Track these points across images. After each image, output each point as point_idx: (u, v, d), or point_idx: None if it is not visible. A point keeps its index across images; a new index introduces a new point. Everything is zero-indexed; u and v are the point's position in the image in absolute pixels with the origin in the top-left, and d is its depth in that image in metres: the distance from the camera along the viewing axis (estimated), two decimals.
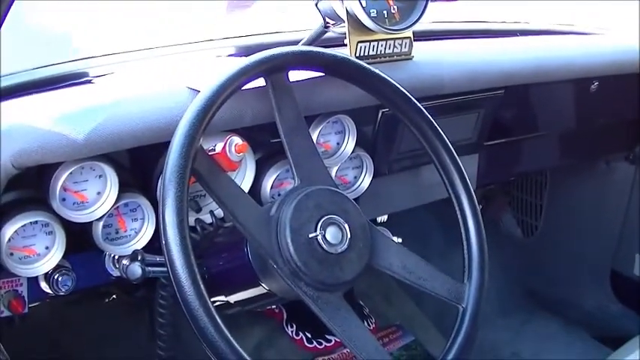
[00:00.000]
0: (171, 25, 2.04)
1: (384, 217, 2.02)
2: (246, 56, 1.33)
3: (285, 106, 1.32)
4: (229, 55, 1.73)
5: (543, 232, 2.81)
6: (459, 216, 1.44)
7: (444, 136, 1.44)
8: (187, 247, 1.12)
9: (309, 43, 1.67)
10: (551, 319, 2.77)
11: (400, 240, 1.70)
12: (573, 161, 2.52)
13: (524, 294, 2.87)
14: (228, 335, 1.12)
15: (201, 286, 1.12)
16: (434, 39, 1.96)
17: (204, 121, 1.20)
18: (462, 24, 2.16)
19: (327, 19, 1.62)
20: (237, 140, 1.30)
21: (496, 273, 2.75)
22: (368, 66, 1.41)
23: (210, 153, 1.27)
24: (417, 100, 1.46)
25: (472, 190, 1.45)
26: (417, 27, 1.66)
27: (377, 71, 1.41)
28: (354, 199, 1.67)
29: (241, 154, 1.30)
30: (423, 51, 1.71)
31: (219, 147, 1.30)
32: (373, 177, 1.73)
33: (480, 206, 2.76)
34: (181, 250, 1.12)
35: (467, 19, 2.22)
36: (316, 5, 1.62)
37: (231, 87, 1.24)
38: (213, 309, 1.12)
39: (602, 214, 2.71)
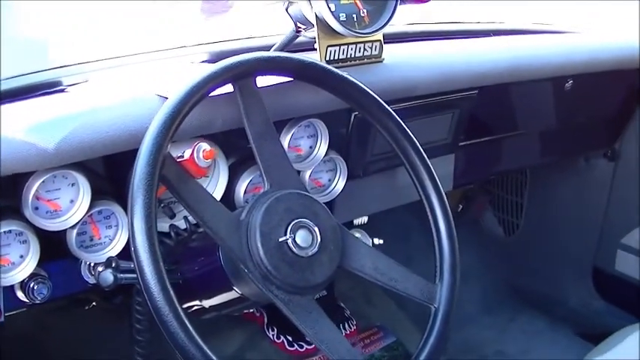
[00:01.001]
0: (147, 31, 2.05)
1: (364, 219, 2.04)
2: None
3: (253, 112, 1.33)
4: (203, 62, 1.74)
5: (525, 230, 2.83)
6: (430, 217, 1.45)
7: (414, 138, 1.45)
8: (156, 253, 1.13)
9: (281, 48, 1.68)
10: (536, 316, 2.79)
11: (381, 241, 1.72)
12: (552, 159, 2.54)
13: (508, 292, 2.89)
14: (199, 340, 1.13)
15: (171, 292, 1.13)
16: (406, 41, 1.97)
17: (172, 129, 1.21)
18: (436, 25, 2.18)
19: (299, 24, 1.64)
20: (205, 146, 1.31)
21: (479, 272, 2.78)
22: (336, 70, 1.43)
23: (178, 160, 1.28)
24: (388, 103, 1.47)
25: (442, 191, 1.46)
26: (389, 29, 1.67)
27: (345, 75, 1.43)
28: (328, 202, 1.70)
29: (209, 160, 1.31)
30: (394, 53, 1.72)
31: (187, 153, 1.31)
32: (348, 179, 1.75)
33: (461, 206, 2.82)
34: (150, 257, 1.13)
35: (440, 20, 2.23)
36: (286, 10, 1.62)
37: (198, 94, 1.25)
38: (183, 314, 1.14)
39: (583, 211, 2.73)
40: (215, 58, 1.72)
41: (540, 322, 2.74)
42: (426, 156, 1.46)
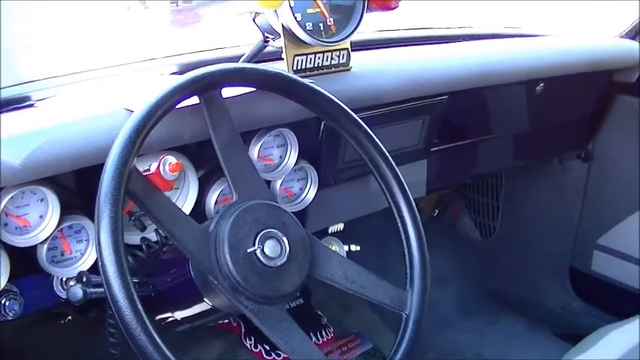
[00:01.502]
0: (118, 44, 2.05)
1: (340, 226, 2.05)
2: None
3: (219, 124, 1.34)
4: (172, 74, 1.75)
5: (501, 233, 2.85)
6: (400, 225, 1.47)
7: (381, 146, 1.46)
8: (123, 267, 1.14)
9: (250, 58, 1.69)
10: (515, 318, 2.80)
11: (358, 248, 1.73)
12: (526, 162, 2.56)
13: (486, 295, 2.91)
14: (168, 353, 1.14)
15: (139, 305, 1.14)
16: (375, 48, 1.99)
17: (137, 143, 1.21)
18: (405, 32, 2.19)
19: (267, 34, 1.64)
20: (171, 159, 1.32)
21: (457, 275, 2.80)
22: (301, 79, 1.44)
23: (145, 173, 1.28)
24: (357, 111, 1.48)
25: (412, 199, 1.47)
26: (358, 37, 1.69)
27: (311, 84, 1.44)
28: (300, 211, 1.70)
29: (175, 173, 1.31)
30: (362, 61, 1.73)
31: (153, 167, 1.31)
32: (319, 188, 1.75)
33: (437, 210, 2.83)
34: (117, 271, 1.13)
35: (410, 26, 2.25)
36: (254, 20, 1.63)
37: (163, 107, 1.25)
38: (152, 328, 1.14)
39: (559, 213, 2.75)
40: (184, 70, 1.72)
41: (519, 324, 2.75)
42: (394, 164, 1.47)
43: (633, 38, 2.47)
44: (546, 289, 2.81)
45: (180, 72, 1.74)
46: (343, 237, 2.04)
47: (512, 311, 2.83)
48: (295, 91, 1.43)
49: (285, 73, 1.43)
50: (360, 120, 1.46)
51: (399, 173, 1.47)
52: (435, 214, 2.84)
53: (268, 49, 1.67)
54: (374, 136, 1.46)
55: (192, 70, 1.34)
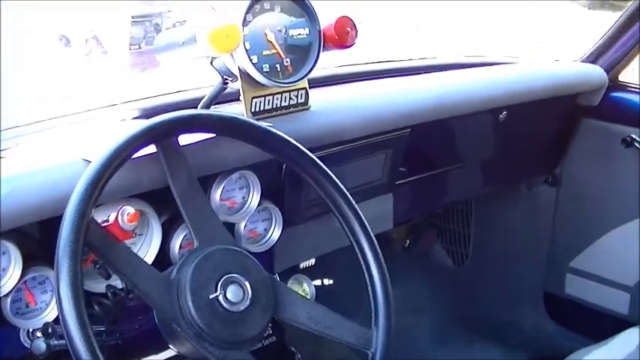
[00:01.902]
0: (78, 91, 2.06)
1: (311, 261, 2.06)
2: (152, 117, 1.36)
3: (177, 171, 1.35)
4: (134, 118, 1.76)
5: (474, 260, 2.87)
6: (362, 263, 1.48)
7: (340, 186, 1.48)
8: (83, 319, 1.14)
9: (210, 100, 1.70)
10: (491, 344, 2.82)
11: (331, 281, 1.74)
12: (494, 189, 2.59)
13: (461, 322, 2.92)
14: None
15: (100, 357, 1.14)
16: (334, 84, 2.00)
17: (94, 194, 1.22)
18: (365, 66, 2.21)
19: (225, 76, 1.66)
20: (129, 210, 1.33)
21: (431, 304, 2.81)
22: (258, 123, 1.45)
23: (104, 224, 1.30)
24: (318, 149, 1.51)
25: (373, 238, 1.48)
26: (317, 73, 1.71)
27: (266, 127, 1.45)
28: (267, 251, 1.72)
29: (134, 223, 1.33)
30: (321, 99, 1.75)
31: (112, 217, 1.32)
32: (285, 227, 1.76)
33: (408, 241, 2.84)
34: (77, 323, 1.14)
35: (372, 59, 2.27)
36: (211, 63, 1.65)
37: (120, 157, 1.26)
38: None
39: (530, 237, 2.78)
40: (146, 115, 1.74)
41: (495, 350, 2.77)
42: (354, 202, 1.48)
43: (594, 62, 2.51)
44: (521, 313, 2.83)
45: (142, 117, 1.75)
46: (315, 271, 2.05)
47: (488, 337, 2.84)
48: (252, 134, 1.45)
49: (241, 118, 1.45)
50: (317, 160, 1.47)
51: (359, 212, 1.48)
52: (407, 244, 2.85)
53: (232, 88, 1.68)
54: (332, 176, 1.48)
55: (153, 114, 1.35)
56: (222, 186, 1.61)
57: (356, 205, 1.48)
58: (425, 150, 2.12)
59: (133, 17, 2.46)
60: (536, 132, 2.47)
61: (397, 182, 2.04)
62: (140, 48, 2.23)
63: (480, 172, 2.40)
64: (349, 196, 1.48)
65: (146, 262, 1.30)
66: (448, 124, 2.12)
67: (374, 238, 1.48)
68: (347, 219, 1.48)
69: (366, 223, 1.48)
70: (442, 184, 2.28)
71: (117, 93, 1.90)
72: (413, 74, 2.18)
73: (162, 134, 1.34)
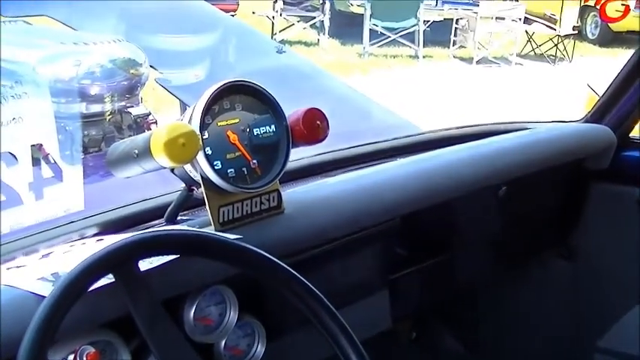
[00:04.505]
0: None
1: None
2: (114, 232, 1.36)
3: (139, 299, 1.36)
4: (95, 235, 1.76)
5: (486, 345, 2.85)
6: None
7: (320, 296, 1.47)
8: None
9: (175, 211, 1.72)
10: None
11: None
12: (501, 269, 2.57)
13: None
14: None
15: None
16: (312, 176, 2.02)
17: (48, 334, 1.22)
18: (345, 151, 2.21)
19: (189, 184, 1.67)
20: (88, 349, 1.34)
21: None
22: (224, 237, 1.46)
23: None
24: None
25: (361, 348, 1.49)
26: (291, 165, 1.71)
27: (234, 241, 1.45)
28: None
29: None
30: (295, 199, 1.76)
31: (71, 358, 1.33)
32: (269, 340, 1.76)
33: (414, 333, 2.84)
34: None
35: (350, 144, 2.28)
36: (172, 172, 1.66)
37: (74, 292, 1.26)
38: None
39: (547, 318, 2.76)
40: (109, 229, 1.75)
41: None
42: (336, 312, 1.48)
43: (599, 121, 2.52)
44: None
45: (106, 232, 1.75)
46: None
47: None
48: (220, 252, 1.45)
49: (206, 234, 1.46)
50: (294, 274, 1.47)
51: (343, 323, 1.48)
52: (413, 337, 2.85)
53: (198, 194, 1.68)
54: (312, 289, 1.47)
55: (119, 228, 1.36)
56: (195, 304, 1.61)
57: (341, 319, 1.48)
58: (418, 237, 2.12)
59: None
60: (542, 203, 2.48)
61: (391, 277, 2.05)
62: (100, 150, 2.25)
63: (483, 254, 2.40)
64: (332, 308, 1.48)
65: None
66: (441, 208, 2.10)
67: (362, 349, 1.48)
68: (330, 331, 1.48)
69: (353, 334, 1.48)
70: (441, 272, 2.28)
71: (74, 206, 1.90)
72: (396, 156, 2.19)
73: (119, 262, 1.34)
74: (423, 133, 2.51)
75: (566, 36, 13.88)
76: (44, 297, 1.32)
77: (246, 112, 1.66)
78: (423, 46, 13.69)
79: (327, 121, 1.68)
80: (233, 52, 4.03)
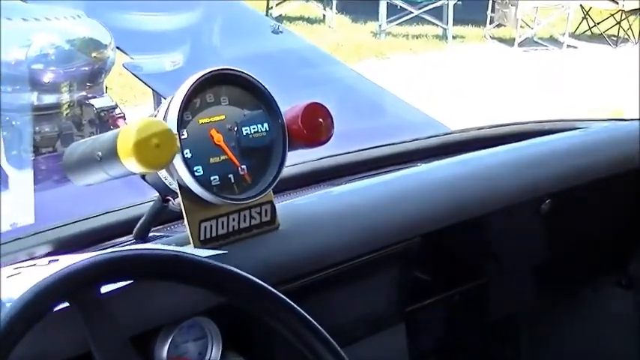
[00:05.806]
0: None
1: None
2: (72, 252, 1.36)
3: (100, 332, 1.36)
4: (47, 254, 1.77)
5: None
6: None
7: (320, 329, 1.48)
8: None
9: (147, 225, 1.73)
10: None
11: None
12: (544, 300, 2.58)
13: None
14: None
15: None
16: (313, 184, 2.04)
17: None
18: (352, 155, 2.21)
19: (164, 193, 1.68)
20: None
21: None
22: (204, 259, 1.46)
23: None
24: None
25: None
26: (288, 171, 1.73)
27: (215, 263, 1.47)
28: None
29: None
30: (293, 213, 1.76)
31: None
32: None
33: None
34: None
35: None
36: (143, 178, 1.67)
37: (17, 330, 1.27)
38: None
39: (605, 356, 2.76)
40: (66, 247, 1.76)
41: None
42: (338, 348, 1.50)
43: None
44: None
45: (63, 251, 1.75)
46: None
47: None
48: (200, 276, 1.45)
49: (183, 255, 1.46)
50: (285, 299, 1.48)
51: (343, 355, 1.49)
52: None
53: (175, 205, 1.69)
54: (308, 319, 1.49)
55: (80, 245, 1.36)
56: (169, 340, 1.61)
57: (339, 349, 1.49)
58: (442, 260, 2.13)
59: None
60: (595, 220, 2.47)
61: (409, 308, 2.05)
62: (55, 151, 2.25)
63: (522, 281, 2.40)
64: (335, 345, 1.48)
65: None
66: (471, 224, 2.11)
67: None
68: None
69: None
70: (471, 303, 2.28)
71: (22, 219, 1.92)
72: (417, 160, 2.19)
73: (76, 288, 1.34)
74: (450, 133, 2.51)
75: (632, 11, 13.67)
76: None
77: (233, 107, 1.66)
78: (453, 24, 13.61)
79: (332, 119, 1.69)
80: (218, 34, 4.02)
